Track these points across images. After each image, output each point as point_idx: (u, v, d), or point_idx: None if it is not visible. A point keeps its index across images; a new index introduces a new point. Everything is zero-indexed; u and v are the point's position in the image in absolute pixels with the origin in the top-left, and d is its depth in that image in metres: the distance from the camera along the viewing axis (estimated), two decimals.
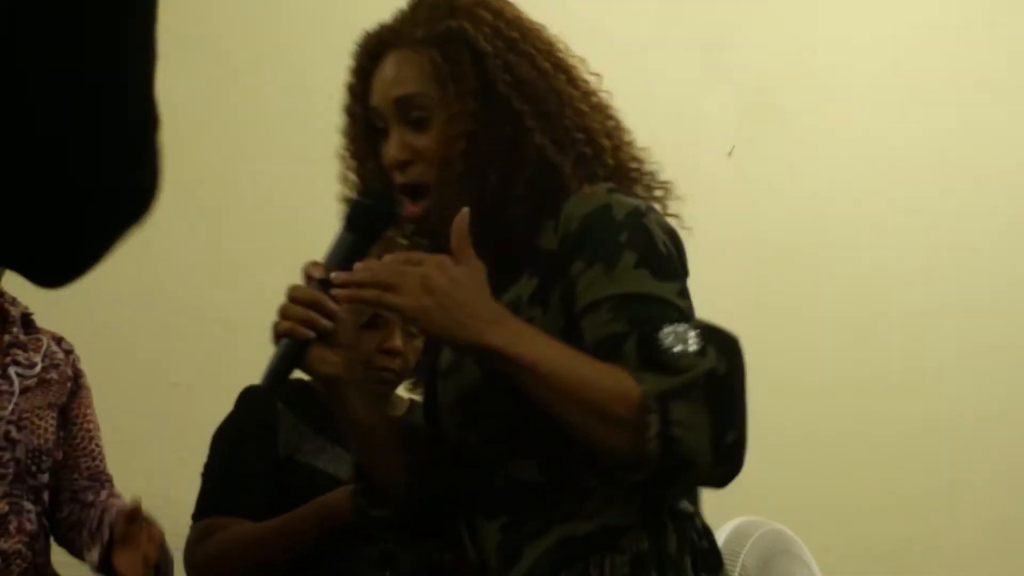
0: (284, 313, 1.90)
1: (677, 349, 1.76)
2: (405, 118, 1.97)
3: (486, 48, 1.94)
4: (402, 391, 3.07)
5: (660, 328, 1.78)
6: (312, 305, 1.89)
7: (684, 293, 1.87)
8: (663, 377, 1.75)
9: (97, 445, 3.10)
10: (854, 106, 4.75)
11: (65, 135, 1.02)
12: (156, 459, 3.91)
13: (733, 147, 4.59)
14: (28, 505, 2.94)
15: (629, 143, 2.00)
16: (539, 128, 1.93)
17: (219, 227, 4.14)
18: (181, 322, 4.06)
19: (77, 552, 3.02)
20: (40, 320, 3.09)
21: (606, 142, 1.96)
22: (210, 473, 2.95)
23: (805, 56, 4.74)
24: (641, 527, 1.87)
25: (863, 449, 4.56)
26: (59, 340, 3.10)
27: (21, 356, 3.00)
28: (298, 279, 1.95)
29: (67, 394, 3.06)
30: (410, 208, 1.97)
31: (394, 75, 1.98)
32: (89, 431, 3.09)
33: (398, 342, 2.97)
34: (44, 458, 2.96)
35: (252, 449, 2.92)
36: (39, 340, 3.06)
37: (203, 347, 4.07)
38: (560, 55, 2.00)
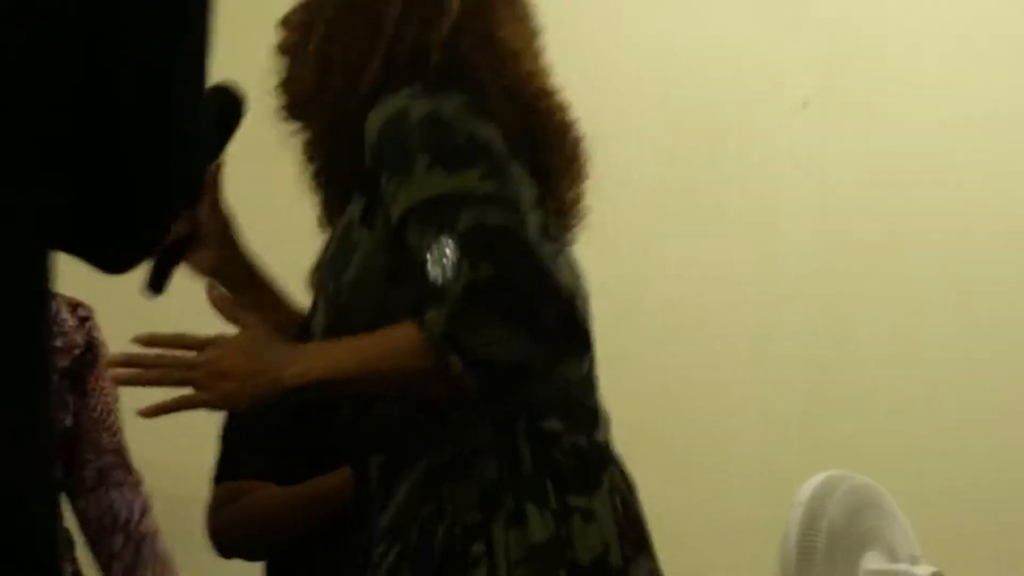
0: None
1: (435, 275, 1.77)
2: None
3: None
4: None
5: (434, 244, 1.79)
6: None
7: (491, 174, 1.84)
8: (439, 311, 1.77)
9: (116, 418, 2.99)
10: (941, 59, 4.56)
11: (145, 118, 1.06)
12: (201, 426, 3.84)
13: (807, 99, 4.43)
14: None
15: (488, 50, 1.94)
16: (367, 21, 1.91)
17: None
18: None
19: (95, 555, 2.95)
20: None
21: (434, 36, 1.91)
22: (226, 433, 2.89)
23: (888, 4, 4.56)
24: (493, 450, 1.87)
25: (957, 410, 4.37)
26: (75, 307, 2.99)
27: None
28: None
29: (75, 361, 2.94)
30: None
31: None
32: (106, 403, 2.98)
33: None
34: None
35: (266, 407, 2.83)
36: None
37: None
38: None
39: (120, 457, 2.98)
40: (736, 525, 3.91)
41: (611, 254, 3.43)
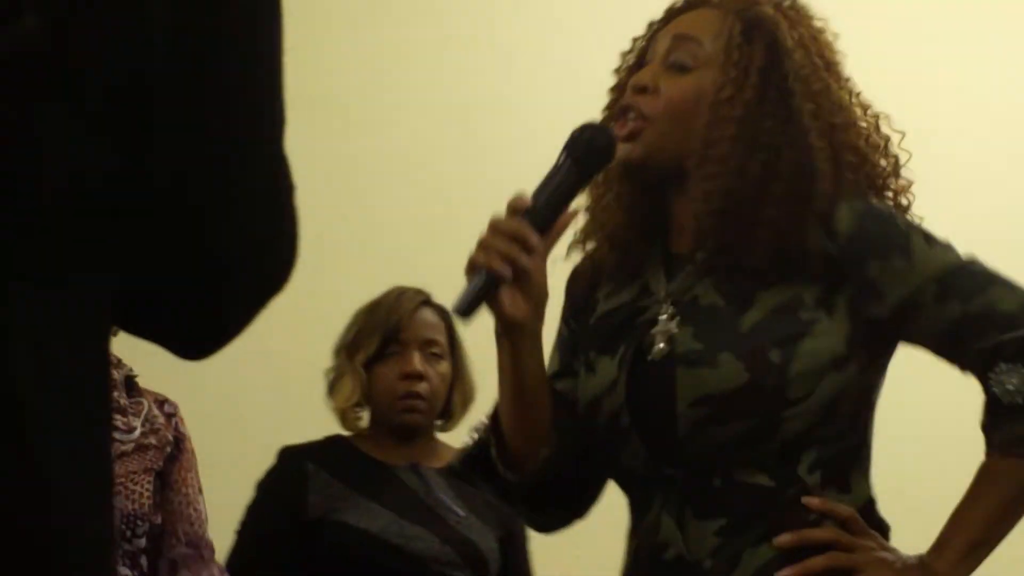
0: (486, 245, 1.84)
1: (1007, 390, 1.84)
2: (671, 54, 1.98)
3: (786, 42, 1.95)
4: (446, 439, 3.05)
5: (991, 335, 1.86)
6: (514, 239, 1.83)
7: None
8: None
9: (196, 510, 3.01)
10: None
11: (201, 199, 1.02)
12: None
13: None
14: (124, 571, 2.87)
15: (892, 159, 2.01)
16: (816, 129, 1.93)
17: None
18: (291, 385, 4.01)
19: None
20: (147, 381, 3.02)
21: (880, 161, 1.99)
22: (240, 534, 2.98)
23: None
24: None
25: None
26: (162, 403, 3.03)
27: (120, 421, 2.92)
28: None
29: (165, 458, 2.97)
30: (620, 129, 1.95)
31: (688, 19, 2.00)
32: (187, 495, 3.00)
33: (417, 364, 2.94)
34: (139, 523, 2.90)
35: (277, 515, 2.93)
36: (140, 404, 2.98)
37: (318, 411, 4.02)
38: (843, 68, 2.02)
39: (196, 549, 2.98)
40: None
41: None
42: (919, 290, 1.89)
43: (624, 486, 2.01)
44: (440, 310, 3.02)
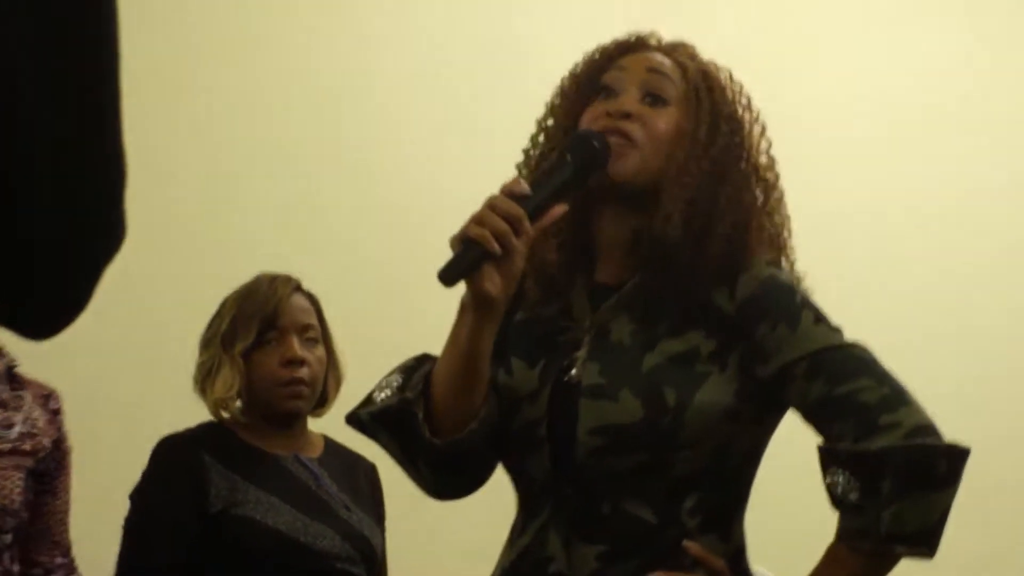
0: (482, 220, 1.91)
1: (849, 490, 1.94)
2: (647, 87, 2.06)
3: (735, 108, 2.09)
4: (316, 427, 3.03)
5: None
6: (510, 220, 1.90)
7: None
8: (864, 523, 1.94)
9: (67, 517, 2.95)
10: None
11: (49, 173, 1.04)
12: None
13: None
14: None
15: (786, 217, 2.13)
16: (751, 187, 2.06)
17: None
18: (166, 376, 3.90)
19: None
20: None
21: (782, 236, 2.10)
22: (135, 530, 2.89)
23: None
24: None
25: None
26: (47, 397, 2.93)
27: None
28: None
29: (44, 460, 2.87)
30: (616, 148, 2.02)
31: (656, 57, 2.10)
32: (66, 501, 2.94)
33: (298, 350, 2.92)
34: (7, 519, 2.79)
35: (180, 507, 2.85)
36: (21, 399, 2.87)
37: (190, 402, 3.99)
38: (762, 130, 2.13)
39: (68, 558, 2.95)
40: None
41: None
42: (795, 362, 1.99)
43: (521, 487, 2.09)
44: (310, 296, 3.03)
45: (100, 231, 1.09)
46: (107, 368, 4.04)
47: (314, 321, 3.00)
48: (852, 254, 4.59)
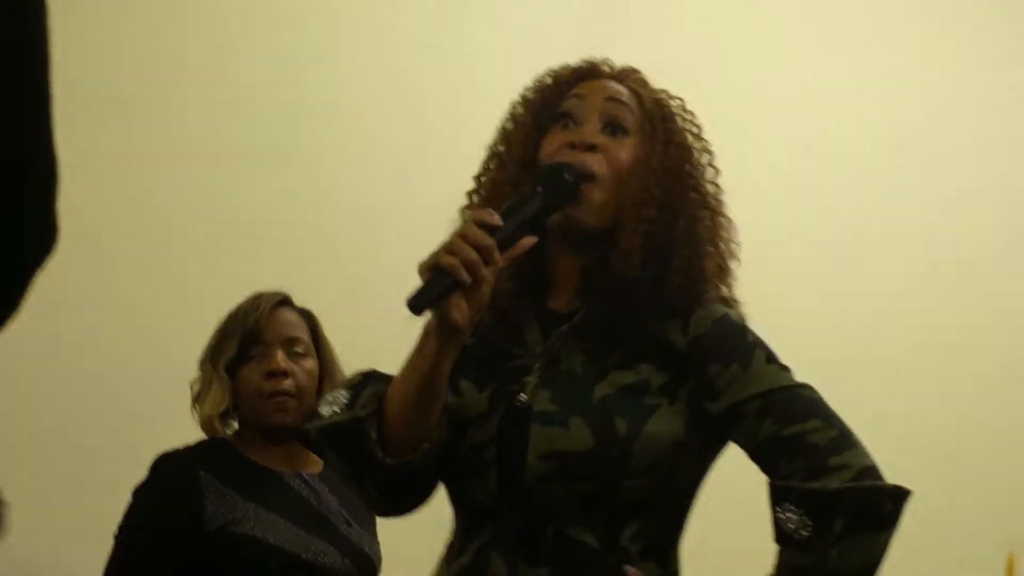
0: (453, 249, 1.91)
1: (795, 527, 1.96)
2: (607, 117, 2.08)
3: (686, 137, 2.10)
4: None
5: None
6: (480, 250, 1.91)
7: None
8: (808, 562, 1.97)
9: None
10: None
11: None
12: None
13: None
14: None
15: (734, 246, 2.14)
16: (706, 224, 2.07)
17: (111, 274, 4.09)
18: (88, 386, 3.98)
19: None
20: None
21: (729, 265, 2.11)
22: (127, 541, 2.87)
23: None
24: None
25: None
26: None
27: None
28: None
29: None
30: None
31: (613, 85, 2.11)
32: None
33: (280, 362, 2.91)
34: None
35: (174, 527, 2.84)
36: None
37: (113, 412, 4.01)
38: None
39: None
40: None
41: None
42: (745, 401, 2.01)
43: (461, 508, 2.08)
44: (301, 311, 3.04)
45: (33, 235, 1.11)
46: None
47: (302, 335, 2.99)
48: (800, 276, 4.61)
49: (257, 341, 2.95)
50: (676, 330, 2.04)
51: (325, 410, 2.05)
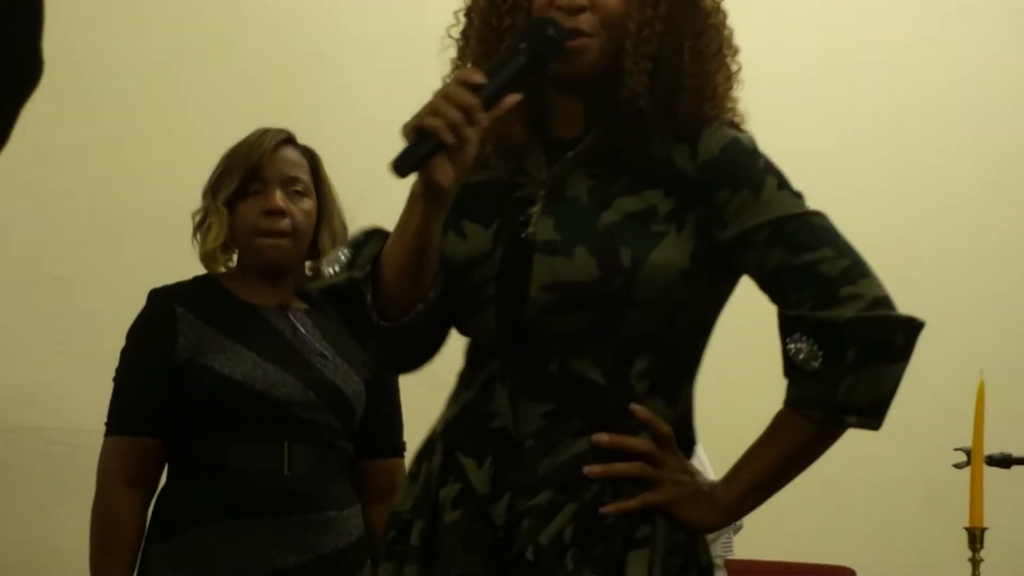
0: (436, 110, 1.89)
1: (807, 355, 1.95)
2: None
3: None
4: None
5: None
6: (464, 110, 1.89)
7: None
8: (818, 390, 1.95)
9: None
10: None
11: None
12: (39, 352, 3.91)
13: None
14: None
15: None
16: (712, 44, 2.02)
17: (100, 117, 4.05)
18: (63, 214, 4.00)
19: None
20: None
21: (733, 97, 2.06)
22: (118, 383, 3.01)
23: None
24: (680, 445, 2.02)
25: None
26: None
27: None
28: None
29: None
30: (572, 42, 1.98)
31: None
32: None
33: (278, 201, 2.95)
34: None
35: (151, 359, 2.94)
36: None
37: (86, 240, 4.02)
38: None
39: None
40: None
41: None
42: (755, 229, 1.96)
43: (470, 345, 2.08)
44: (304, 149, 3.05)
45: (19, 67, 1.12)
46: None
47: (303, 175, 3.00)
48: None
49: (257, 178, 2.97)
50: (684, 155, 2.00)
51: (326, 269, 2.05)
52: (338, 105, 4.20)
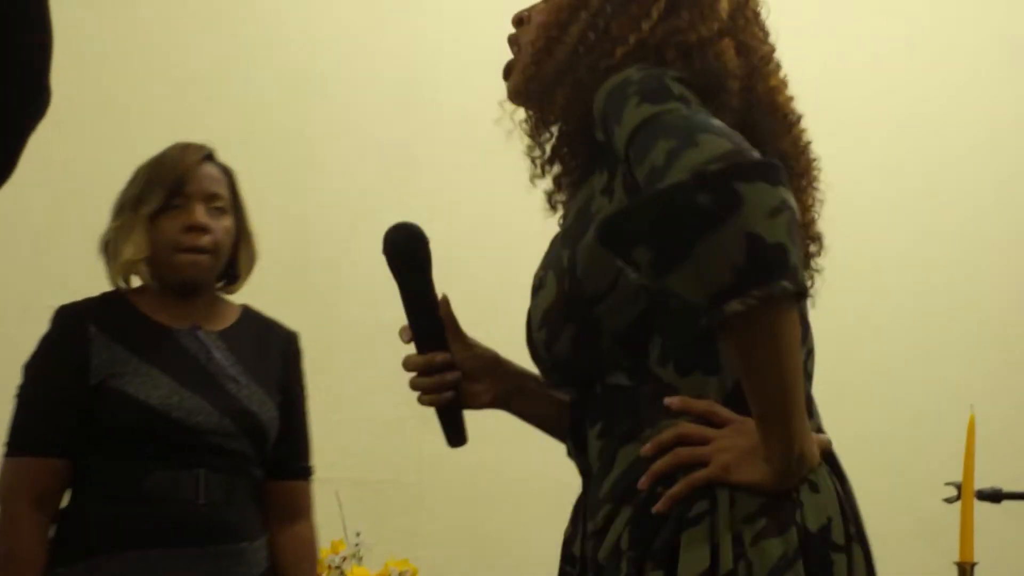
0: (415, 387, 2.03)
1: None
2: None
3: None
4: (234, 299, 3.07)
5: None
6: (427, 371, 2.01)
7: (685, 101, 1.79)
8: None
9: None
10: None
11: None
12: None
13: None
14: None
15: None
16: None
17: (105, 152, 4.04)
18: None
19: None
20: None
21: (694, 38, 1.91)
22: (22, 401, 2.92)
23: None
24: None
25: None
26: None
27: None
28: None
29: None
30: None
31: None
32: None
33: (201, 216, 2.92)
34: None
35: (62, 379, 2.87)
36: None
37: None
38: None
39: None
40: None
41: None
42: (626, 158, 1.79)
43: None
44: (223, 167, 3.03)
45: (27, 97, 1.13)
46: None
47: (222, 191, 2.99)
48: None
49: (180, 193, 2.93)
50: (595, 124, 1.88)
51: None
52: (336, 131, 4.21)
